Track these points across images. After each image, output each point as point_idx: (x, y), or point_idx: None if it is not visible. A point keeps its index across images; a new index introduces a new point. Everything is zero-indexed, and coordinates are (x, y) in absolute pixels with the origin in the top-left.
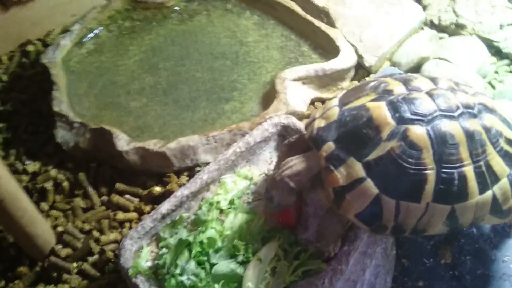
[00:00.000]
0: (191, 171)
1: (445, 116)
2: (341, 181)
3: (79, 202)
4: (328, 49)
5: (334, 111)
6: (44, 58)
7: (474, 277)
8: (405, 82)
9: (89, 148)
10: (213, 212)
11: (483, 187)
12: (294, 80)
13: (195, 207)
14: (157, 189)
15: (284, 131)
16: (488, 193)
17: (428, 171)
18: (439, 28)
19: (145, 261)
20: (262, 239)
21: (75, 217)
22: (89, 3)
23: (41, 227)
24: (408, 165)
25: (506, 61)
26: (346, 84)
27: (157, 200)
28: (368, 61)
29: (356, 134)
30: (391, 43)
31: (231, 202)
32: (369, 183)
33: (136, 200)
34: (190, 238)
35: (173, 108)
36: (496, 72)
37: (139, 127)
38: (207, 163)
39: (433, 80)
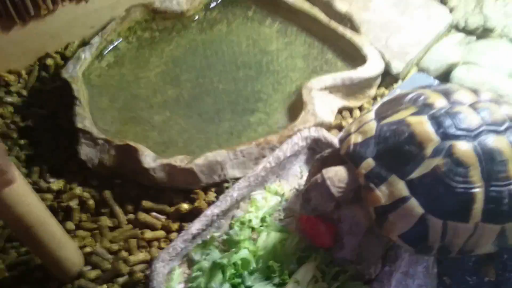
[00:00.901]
0: (219, 187)
1: (492, 131)
2: (383, 201)
3: (106, 221)
4: (354, 56)
5: (372, 126)
6: (65, 72)
7: None
8: (446, 95)
9: (114, 165)
10: (245, 231)
11: None
12: (321, 89)
13: (225, 225)
14: (185, 206)
15: (315, 145)
16: None
17: (476, 190)
18: (466, 31)
19: (178, 283)
20: (297, 259)
21: (102, 237)
22: (107, 14)
23: (70, 249)
24: (455, 184)
25: None
26: (373, 91)
27: (184, 217)
28: (396, 67)
29: (398, 150)
30: (418, 48)
31: (263, 220)
32: (414, 202)
33: (163, 217)
34: (224, 261)
35: (197, 121)
36: None
37: (164, 142)
38: (235, 179)
39: (475, 92)
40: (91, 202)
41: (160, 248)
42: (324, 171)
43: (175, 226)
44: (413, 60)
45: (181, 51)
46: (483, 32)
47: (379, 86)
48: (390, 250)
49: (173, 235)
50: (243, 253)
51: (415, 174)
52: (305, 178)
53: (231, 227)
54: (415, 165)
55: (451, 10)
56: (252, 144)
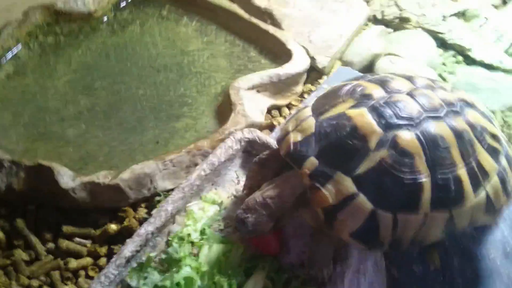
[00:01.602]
0: (150, 202)
1: (432, 118)
2: (331, 200)
3: (21, 254)
4: (278, 52)
5: (310, 123)
6: None
7: (465, 279)
8: (382, 84)
9: (25, 189)
10: (185, 247)
11: (477, 188)
12: (249, 89)
13: (161, 243)
14: (113, 226)
15: (250, 147)
16: (482, 194)
17: (423, 179)
18: (383, 23)
19: None
20: (244, 270)
21: (18, 274)
22: (1, 18)
23: None
24: (402, 175)
25: (452, 52)
26: (300, 88)
27: (113, 239)
28: (321, 62)
29: (341, 146)
30: (340, 42)
31: (202, 233)
32: (362, 198)
33: (88, 242)
34: (166, 283)
35: (117, 132)
36: (444, 64)
37: (81, 157)
38: (167, 191)
39: (410, 79)
40: (0, 235)
41: (89, 277)
42: (262, 190)
43: (103, 250)
44: (336, 54)
45: (92, 56)
46: (400, 23)
47: (305, 83)
48: (339, 249)
49: (102, 260)
50: (186, 271)
51: (361, 169)
52: (242, 183)
53: (168, 244)
54: (360, 159)
55: (367, 3)
56: (182, 152)
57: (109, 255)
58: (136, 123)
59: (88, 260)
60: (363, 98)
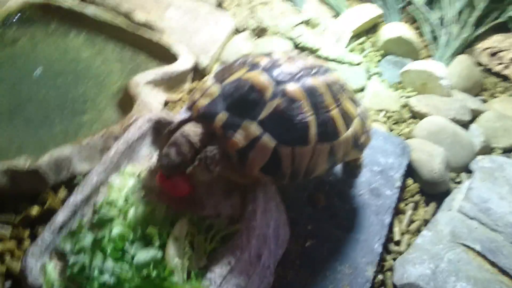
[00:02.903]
0: (69, 184)
1: (307, 75)
2: (242, 143)
3: None
4: (164, 56)
5: (215, 88)
6: None
7: (345, 212)
8: (267, 55)
9: None
10: (113, 210)
11: (346, 125)
12: (146, 84)
13: (89, 213)
14: (34, 210)
15: (158, 125)
16: (350, 130)
17: (309, 117)
18: (248, 31)
19: (53, 276)
20: (171, 223)
21: None
22: None
23: None
24: (294, 116)
25: (305, 52)
26: (188, 85)
27: (36, 223)
28: (202, 62)
29: (243, 100)
30: (215, 46)
31: (127, 200)
32: (266, 137)
33: (9, 227)
34: (103, 239)
35: (26, 128)
36: None
37: None
38: (85, 173)
39: (285, 52)
40: None
41: (16, 258)
42: (180, 129)
43: (26, 233)
44: (214, 55)
45: None
46: (260, 31)
47: (192, 81)
48: (249, 193)
49: (26, 243)
50: (119, 228)
51: (263, 115)
52: (155, 158)
53: (97, 210)
54: (261, 108)
55: (232, 16)
56: (97, 136)
57: (33, 238)
58: (43, 118)
59: (12, 244)
60: (254, 66)
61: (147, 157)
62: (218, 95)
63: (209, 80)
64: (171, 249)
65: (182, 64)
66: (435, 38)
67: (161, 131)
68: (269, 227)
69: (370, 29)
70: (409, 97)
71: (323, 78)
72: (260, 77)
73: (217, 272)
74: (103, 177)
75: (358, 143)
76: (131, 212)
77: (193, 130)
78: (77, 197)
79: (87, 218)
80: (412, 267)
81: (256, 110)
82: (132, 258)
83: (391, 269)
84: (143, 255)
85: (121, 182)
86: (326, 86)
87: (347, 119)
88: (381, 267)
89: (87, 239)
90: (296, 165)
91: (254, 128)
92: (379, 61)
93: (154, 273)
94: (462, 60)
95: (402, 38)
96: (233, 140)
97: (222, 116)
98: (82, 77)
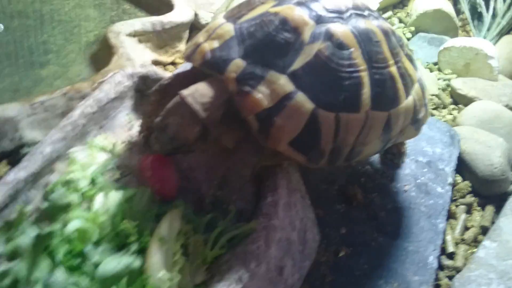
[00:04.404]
0: (14, 156)
1: (358, 15)
2: (266, 103)
3: None
4: (156, 5)
5: (227, 28)
6: None
7: (387, 212)
8: None
9: None
10: (72, 195)
11: (406, 90)
12: (130, 35)
13: (38, 198)
14: None
15: (143, 85)
16: (410, 98)
17: (362, 73)
18: None
19: None
20: (156, 215)
21: None
22: None
23: None
24: (341, 68)
25: None
26: (183, 46)
27: None
28: (204, 18)
29: (270, 42)
30: None
31: (93, 182)
32: (301, 97)
33: None
34: (54, 236)
35: None
36: None
37: None
38: (37, 142)
39: None
40: None
41: None
42: (182, 90)
43: None
44: (220, 10)
45: None
46: None
47: (187, 42)
48: (267, 181)
49: None
50: (77, 222)
51: (297, 64)
52: (136, 129)
53: (49, 192)
54: (294, 54)
55: None
56: (56, 93)
57: None
58: None
59: None
60: None
61: (126, 126)
62: (232, 36)
63: (219, 18)
64: (155, 256)
65: (179, 15)
66: (474, 16)
67: (146, 94)
68: (294, 229)
69: (398, 3)
70: (448, 79)
71: (379, 23)
72: (295, 11)
73: None
74: (61, 149)
75: (417, 118)
76: (99, 199)
77: (200, 92)
78: (19, 173)
79: (33, 205)
80: None
81: (288, 57)
82: (96, 267)
83: None
84: (113, 263)
85: (87, 156)
86: (384, 33)
87: (408, 82)
88: None
89: (28, 235)
90: (340, 140)
91: (284, 83)
92: (409, 38)
93: None
94: (510, 41)
95: (441, 11)
96: (252, 98)
97: (237, 64)
98: (47, 21)
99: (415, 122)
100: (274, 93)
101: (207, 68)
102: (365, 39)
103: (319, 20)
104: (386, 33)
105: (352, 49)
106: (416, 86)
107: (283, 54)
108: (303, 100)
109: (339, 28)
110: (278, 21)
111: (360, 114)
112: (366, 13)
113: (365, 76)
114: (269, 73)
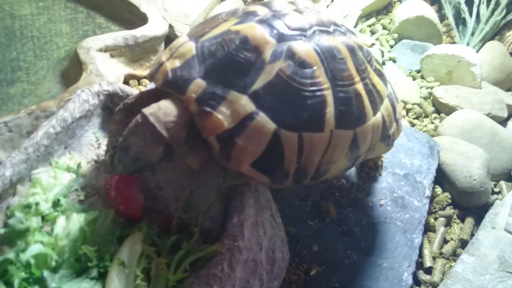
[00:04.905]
0: None
1: (323, 32)
2: (226, 123)
3: None
4: (131, 18)
5: (189, 46)
6: None
7: (361, 228)
8: (265, 5)
9: None
10: (32, 219)
11: (374, 107)
12: (101, 50)
13: None
14: None
15: (111, 102)
16: (379, 114)
17: (325, 91)
18: None
19: None
20: (118, 238)
21: None
22: None
23: None
24: (303, 87)
25: None
26: None
27: None
28: (179, 30)
29: (231, 62)
30: (198, 10)
31: (56, 204)
32: (263, 117)
33: None
34: (12, 260)
35: None
36: None
37: None
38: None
39: (292, 2)
40: None
41: None
42: (145, 109)
43: None
44: (195, 22)
45: None
46: None
47: None
48: (233, 200)
49: None
50: (36, 247)
51: (258, 84)
52: (103, 148)
53: (9, 216)
54: (255, 74)
55: None
56: (21, 113)
57: None
58: None
59: None
60: (248, 15)
61: (93, 145)
62: (193, 55)
63: (182, 36)
64: (115, 281)
65: (152, 28)
66: (458, 22)
67: (114, 111)
68: (262, 249)
69: (381, 9)
70: (430, 87)
71: (344, 39)
72: (256, 29)
73: None
74: (23, 170)
75: (387, 134)
76: (60, 223)
77: (163, 110)
78: None
79: None
80: None
81: (249, 77)
82: None
83: None
84: None
85: (51, 178)
86: (350, 50)
87: (376, 98)
88: None
89: None
90: (304, 160)
91: (245, 103)
92: (392, 45)
93: None
94: (494, 47)
95: (424, 18)
96: (213, 118)
97: (197, 84)
98: (17, 38)
99: (385, 138)
100: (235, 114)
101: (168, 88)
102: (328, 56)
103: (280, 38)
104: (352, 49)
105: (314, 68)
106: (386, 102)
107: (244, 74)
108: (264, 120)
109: (301, 46)
110: (239, 40)
111: (324, 134)
112: (331, 29)
113: (328, 94)
114: (230, 93)
